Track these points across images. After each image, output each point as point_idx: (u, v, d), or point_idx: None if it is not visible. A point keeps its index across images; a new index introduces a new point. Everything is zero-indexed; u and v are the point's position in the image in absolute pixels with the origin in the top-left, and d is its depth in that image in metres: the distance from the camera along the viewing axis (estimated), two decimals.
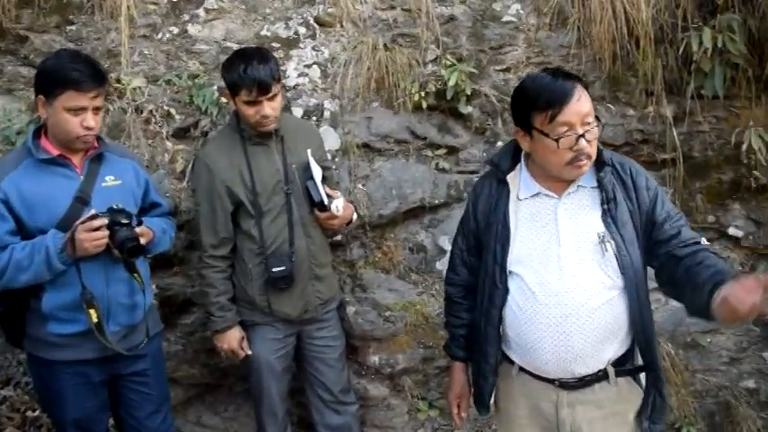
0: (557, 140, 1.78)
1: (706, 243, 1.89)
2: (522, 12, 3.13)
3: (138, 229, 2.16)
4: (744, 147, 2.84)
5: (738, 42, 2.77)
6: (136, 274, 2.22)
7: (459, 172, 3.05)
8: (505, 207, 1.94)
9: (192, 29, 3.04)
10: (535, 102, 1.81)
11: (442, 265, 2.99)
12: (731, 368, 3.17)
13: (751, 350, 3.16)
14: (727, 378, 3.16)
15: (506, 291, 1.93)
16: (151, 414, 2.40)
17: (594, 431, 1.95)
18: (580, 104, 1.77)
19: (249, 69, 2.33)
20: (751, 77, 2.94)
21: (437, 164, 3.04)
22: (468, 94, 2.98)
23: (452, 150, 3.07)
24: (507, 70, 3.05)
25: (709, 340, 3.15)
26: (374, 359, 2.98)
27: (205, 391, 3.11)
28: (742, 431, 3.09)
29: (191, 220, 2.73)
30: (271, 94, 2.38)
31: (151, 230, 2.26)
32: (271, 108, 2.39)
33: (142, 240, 2.17)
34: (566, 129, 1.77)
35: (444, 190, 3.02)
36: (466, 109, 3.02)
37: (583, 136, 1.77)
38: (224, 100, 2.79)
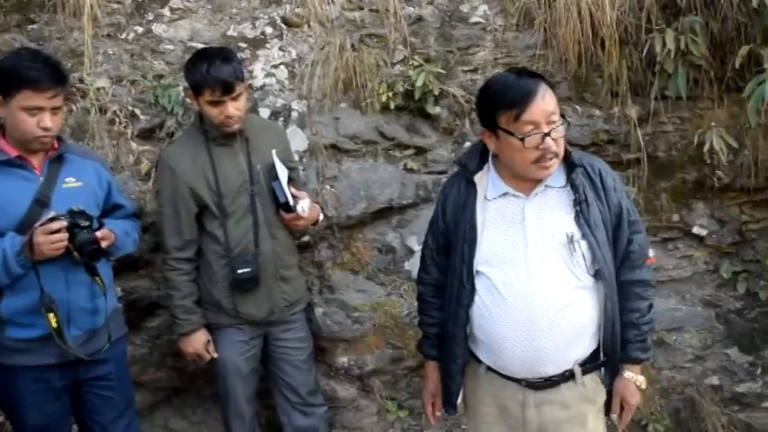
0: (522, 139, 1.78)
1: (651, 255, 2.03)
2: (489, 13, 3.14)
3: (99, 233, 2.13)
4: (706, 147, 2.87)
5: (700, 44, 2.80)
6: (97, 278, 2.18)
7: (428, 172, 3.05)
8: (473, 207, 1.94)
9: (157, 28, 3.01)
10: (500, 101, 1.82)
11: (410, 265, 2.99)
12: (696, 365, 3.22)
13: (715, 347, 3.21)
14: (693, 375, 3.20)
15: (473, 291, 1.93)
16: (115, 419, 2.37)
17: (560, 431, 1.96)
18: (545, 103, 1.79)
19: (212, 69, 2.31)
20: (713, 79, 2.98)
21: (405, 164, 3.04)
22: (436, 94, 2.98)
23: (421, 151, 3.07)
24: (475, 71, 3.06)
25: (674, 338, 3.19)
26: (343, 360, 2.98)
27: (172, 395, 3.08)
28: (707, 427, 3.13)
29: (156, 222, 2.70)
30: (234, 94, 2.36)
31: (113, 233, 2.22)
32: (235, 108, 2.37)
33: (103, 243, 2.13)
34: (531, 127, 1.78)
35: (413, 190, 3.02)
36: (434, 109, 3.02)
37: (548, 134, 1.78)
38: (189, 100, 2.76)
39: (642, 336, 1.97)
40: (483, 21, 3.13)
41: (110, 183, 2.36)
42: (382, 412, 3.07)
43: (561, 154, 1.86)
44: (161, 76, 2.94)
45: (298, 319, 2.66)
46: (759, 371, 3.17)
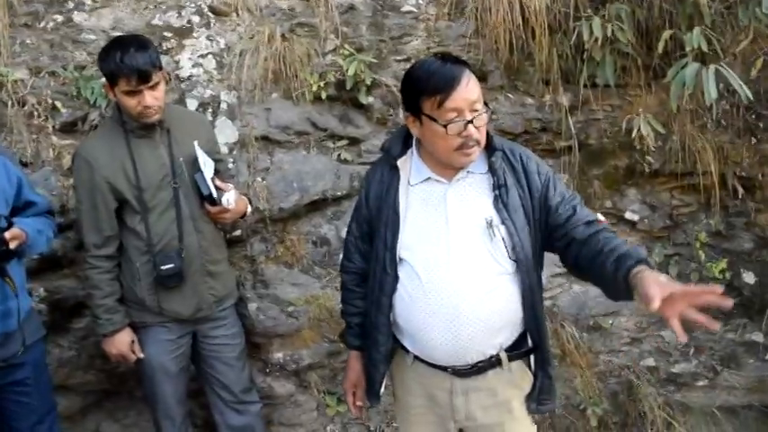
0: (445, 126, 1.76)
1: (602, 218, 1.92)
2: (421, 2, 3.12)
3: (7, 233, 2.02)
4: (634, 133, 2.91)
5: (627, 32, 2.84)
6: (8, 279, 2.08)
7: (362, 163, 3.00)
8: (396, 193, 1.92)
9: (78, 17, 2.89)
10: (424, 87, 1.80)
11: None
12: (632, 348, 3.27)
13: (650, 329, 3.27)
14: (629, 358, 3.26)
15: (396, 278, 1.90)
16: (34, 425, 2.27)
17: (488, 418, 1.96)
18: (468, 90, 1.76)
19: (126, 57, 2.22)
20: (641, 66, 3.03)
21: (339, 155, 3.00)
22: (369, 84, 2.95)
23: (354, 141, 3.03)
24: (407, 60, 3.02)
25: (610, 322, 3.24)
26: (278, 356, 2.92)
27: (103, 398, 2.98)
28: (644, 408, 3.19)
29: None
30: (152, 83, 2.28)
31: (24, 232, 2.11)
32: (153, 98, 2.29)
33: (13, 244, 2.03)
34: (454, 114, 1.76)
35: (347, 181, 2.98)
36: (367, 99, 2.99)
37: (471, 122, 1.77)
38: (105, 91, 2.66)
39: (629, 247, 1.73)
40: (415, 10, 3.11)
41: (20, 179, 2.24)
42: (321, 407, 3.03)
43: (483, 142, 1.85)
44: (83, 68, 2.82)
45: (228, 315, 2.59)
46: (692, 351, 3.24)
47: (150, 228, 2.36)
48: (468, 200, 1.88)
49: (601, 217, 1.94)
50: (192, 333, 2.55)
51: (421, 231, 1.88)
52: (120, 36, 2.50)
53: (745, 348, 3.22)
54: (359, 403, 2.17)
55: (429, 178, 1.91)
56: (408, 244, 1.89)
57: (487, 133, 1.89)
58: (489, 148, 1.90)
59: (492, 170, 1.88)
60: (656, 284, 1.50)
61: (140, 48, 2.26)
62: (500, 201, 1.85)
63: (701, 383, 3.25)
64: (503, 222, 1.84)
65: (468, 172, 1.89)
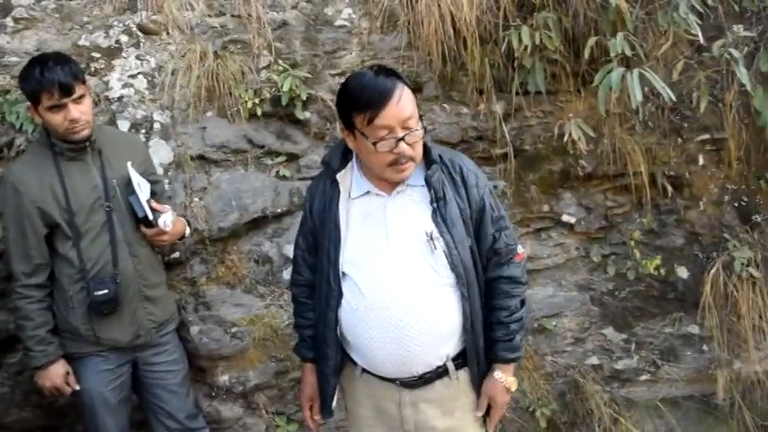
0: (374, 144, 1.76)
1: (521, 252, 2.00)
2: (354, 16, 3.14)
3: None
4: (566, 138, 2.99)
5: (554, 39, 2.92)
6: None
7: (301, 179, 2.98)
8: (336, 207, 1.91)
9: (1, 39, 2.79)
10: (355, 102, 1.79)
11: (289, 274, 2.90)
12: (576, 348, 3.33)
13: (593, 329, 3.34)
14: (574, 357, 3.32)
15: (340, 293, 1.90)
16: None
17: (437, 428, 1.96)
18: (399, 108, 1.75)
19: (46, 72, 2.17)
20: (570, 73, 3.12)
21: (277, 172, 2.97)
22: (304, 99, 2.94)
23: (292, 157, 3.01)
24: (342, 74, 3.03)
25: (554, 324, 3.29)
26: (224, 379, 2.86)
27: None
28: (591, 406, 3.25)
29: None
30: (75, 96, 2.22)
31: None
32: (78, 111, 2.23)
33: None
34: (385, 132, 1.75)
35: (287, 198, 2.95)
36: (303, 115, 2.97)
37: (402, 139, 1.76)
38: (30, 114, 2.56)
39: (510, 335, 1.94)
40: (348, 24, 3.13)
41: None
42: (271, 428, 2.97)
43: (418, 158, 1.84)
44: (7, 91, 2.73)
45: (169, 340, 2.52)
46: (633, 347, 3.32)
47: (82, 253, 2.28)
48: (409, 213, 1.88)
49: (520, 249, 2.00)
50: (131, 361, 2.46)
51: (362, 246, 1.88)
52: (38, 54, 2.43)
53: (682, 342, 3.32)
54: (316, 417, 2.14)
55: (369, 192, 1.91)
56: (350, 258, 1.88)
57: (425, 145, 1.89)
58: (428, 160, 1.90)
59: (429, 184, 1.87)
60: (484, 397, 2.00)
61: (60, 61, 2.21)
62: (438, 214, 1.86)
63: (643, 378, 3.33)
64: (441, 235, 1.85)
65: (407, 185, 1.89)
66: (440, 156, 1.92)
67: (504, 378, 1.97)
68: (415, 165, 1.84)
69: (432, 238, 1.84)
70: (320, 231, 1.95)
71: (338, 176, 1.93)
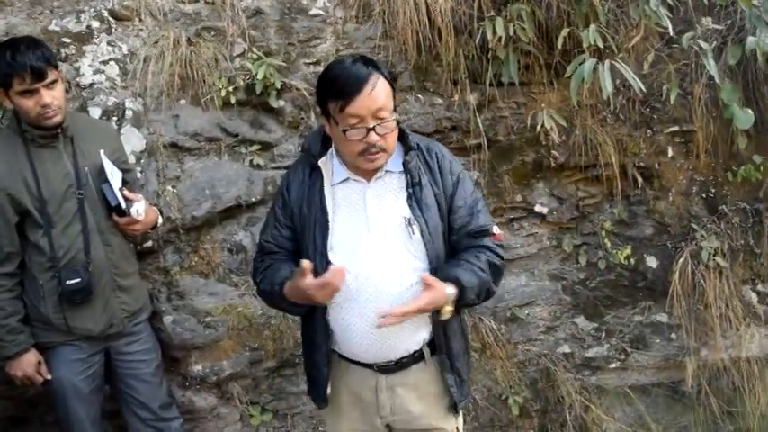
0: (344, 131, 1.77)
1: (497, 232, 1.97)
2: (328, 5, 3.12)
3: None
4: (539, 128, 3.02)
5: (528, 31, 2.94)
6: None
7: (275, 168, 2.97)
8: (321, 193, 1.90)
9: None
10: (329, 90, 1.80)
11: None
12: (548, 336, 3.38)
13: (564, 317, 3.39)
14: (546, 346, 3.36)
15: None
16: None
17: (413, 412, 1.98)
18: (371, 98, 1.75)
19: (18, 56, 2.14)
20: (543, 65, 3.14)
21: (251, 161, 2.96)
22: (279, 88, 2.92)
23: (266, 146, 2.99)
24: (317, 63, 3.02)
25: (526, 313, 3.33)
26: (197, 368, 2.84)
27: (11, 426, 2.81)
28: (562, 393, 3.30)
29: None
30: (48, 81, 2.19)
31: None
32: (51, 97, 2.20)
33: None
34: (355, 120, 1.76)
35: (261, 187, 2.94)
36: (277, 103, 2.96)
37: (373, 129, 1.77)
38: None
39: (469, 266, 1.85)
40: (323, 13, 3.11)
41: None
42: (245, 418, 2.97)
43: (390, 148, 1.85)
44: None
45: (142, 329, 2.50)
46: (604, 335, 3.38)
47: (54, 242, 2.25)
48: (387, 199, 1.90)
49: (496, 230, 1.98)
50: (104, 351, 2.44)
51: (344, 232, 1.88)
52: (9, 38, 2.38)
53: (651, 330, 3.39)
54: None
55: (348, 179, 1.91)
56: (333, 245, 1.89)
57: (403, 132, 1.91)
58: (406, 147, 1.91)
59: (407, 169, 1.89)
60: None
61: (32, 45, 2.18)
62: (413, 199, 1.88)
63: (613, 366, 3.39)
64: (416, 220, 1.86)
65: (386, 171, 1.91)
66: (417, 143, 1.94)
67: (451, 292, 1.82)
68: (387, 155, 1.85)
69: (410, 224, 1.86)
70: (303, 220, 1.93)
71: (320, 163, 1.93)
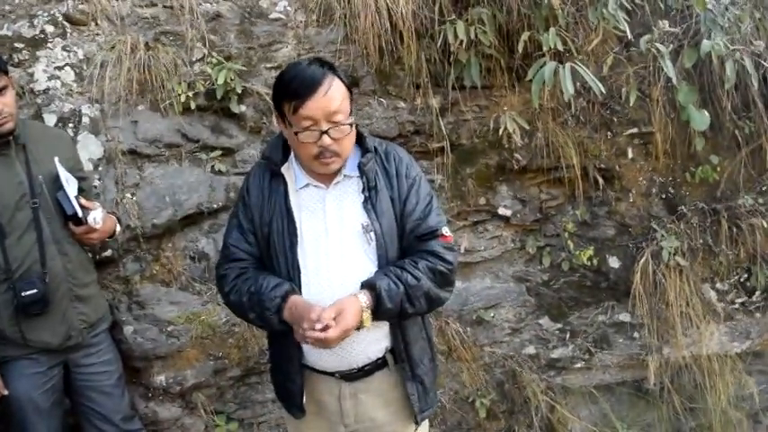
0: (297, 134, 1.75)
1: (446, 233, 1.91)
2: (289, 8, 3.11)
3: None
4: (501, 130, 3.04)
5: (489, 34, 2.96)
6: None
7: (237, 173, 2.93)
8: (287, 199, 1.87)
9: None
10: (285, 90, 1.78)
11: None
12: (514, 338, 3.40)
13: (528, 319, 3.41)
14: (511, 348, 3.38)
15: (300, 286, 1.83)
16: None
17: (377, 419, 1.97)
18: (326, 100, 1.73)
19: None
20: (504, 68, 3.17)
21: (213, 166, 2.92)
22: (240, 92, 2.90)
23: (228, 152, 2.96)
24: (278, 67, 2.98)
25: (492, 315, 3.35)
26: (160, 379, 2.79)
27: None
28: (528, 394, 3.32)
29: None
30: None
31: None
32: (1, 103, 2.15)
33: None
34: (309, 123, 1.74)
35: (223, 193, 2.90)
36: (238, 108, 2.93)
37: (326, 132, 1.74)
38: None
39: (397, 278, 1.78)
40: (283, 17, 3.09)
41: None
42: (210, 428, 2.92)
43: (345, 153, 1.82)
44: None
45: (101, 341, 2.45)
46: (568, 336, 3.41)
47: (8, 252, 2.18)
48: (346, 204, 1.88)
49: (446, 231, 1.91)
50: (62, 363, 2.38)
51: (303, 239, 1.85)
52: None
53: (615, 329, 3.43)
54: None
55: (308, 184, 1.89)
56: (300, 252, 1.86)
57: (361, 135, 1.90)
58: (362, 150, 1.90)
59: (362, 172, 1.86)
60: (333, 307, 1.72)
61: None
62: (369, 203, 1.85)
63: (578, 366, 3.43)
64: (371, 224, 1.84)
65: (344, 175, 1.88)
66: (375, 147, 1.92)
67: (366, 304, 1.75)
68: (341, 160, 1.83)
69: (367, 230, 1.84)
70: (262, 224, 1.89)
71: (282, 170, 1.89)
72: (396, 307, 1.78)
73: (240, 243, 1.93)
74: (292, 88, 1.75)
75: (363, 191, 1.86)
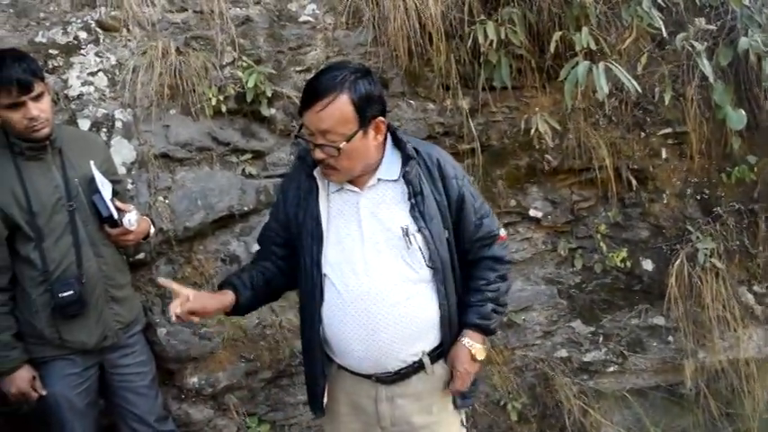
0: (296, 136, 1.80)
1: (503, 234, 2.02)
2: (318, 11, 3.11)
3: None
4: (532, 131, 3.01)
5: (519, 34, 2.94)
6: None
7: (268, 176, 2.95)
8: (316, 202, 1.88)
9: None
10: (302, 99, 1.80)
11: None
12: (545, 341, 3.37)
13: (561, 322, 3.38)
14: (543, 351, 3.35)
15: (323, 290, 1.87)
16: None
17: (415, 423, 1.96)
18: (317, 118, 1.73)
19: (4, 69, 2.11)
20: (535, 68, 3.14)
21: (243, 169, 2.93)
22: (270, 96, 2.90)
23: (258, 155, 2.97)
24: (308, 71, 3.00)
25: (523, 318, 3.32)
26: (193, 380, 2.81)
27: None
28: (560, 398, 3.28)
29: None
30: (34, 93, 2.16)
31: None
32: (38, 109, 2.17)
33: None
34: (307, 132, 1.78)
35: (253, 196, 2.91)
36: (268, 111, 2.94)
37: (320, 146, 1.76)
38: None
39: (482, 302, 1.95)
40: (312, 20, 3.10)
41: None
42: (242, 429, 2.93)
43: (345, 170, 1.81)
44: None
45: (136, 342, 2.47)
46: (601, 339, 3.37)
47: (46, 254, 2.21)
48: (382, 208, 1.87)
49: (502, 232, 2.03)
50: (98, 364, 2.40)
51: (339, 242, 1.86)
52: None
53: (648, 333, 3.38)
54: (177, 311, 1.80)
55: (342, 188, 1.89)
56: (328, 256, 1.86)
57: (401, 140, 1.89)
58: (403, 156, 1.88)
59: (407, 180, 1.86)
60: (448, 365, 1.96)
61: (17, 58, 2.16)
62: (416, 209, 1.84)
63: (611, 369, 3.38)
64: (419, 231, 1.84)
65: (378, 180, 1.88)
66: (416, 149, 1.91)
67: (470, 343, 1.93)
68: (342, 175, 1.83)
69: (407, 234, 1.83)
70: (297, 227, 1.91)
71: (315, 173, 1.90)
72: (495, 322, 2.00)
73: (269, 227, 2.03)
74: (302, 94, 1.78)
75: (410, 198, 1.85)
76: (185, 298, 1.77)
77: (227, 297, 1.90)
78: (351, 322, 1.83)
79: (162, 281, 1.94)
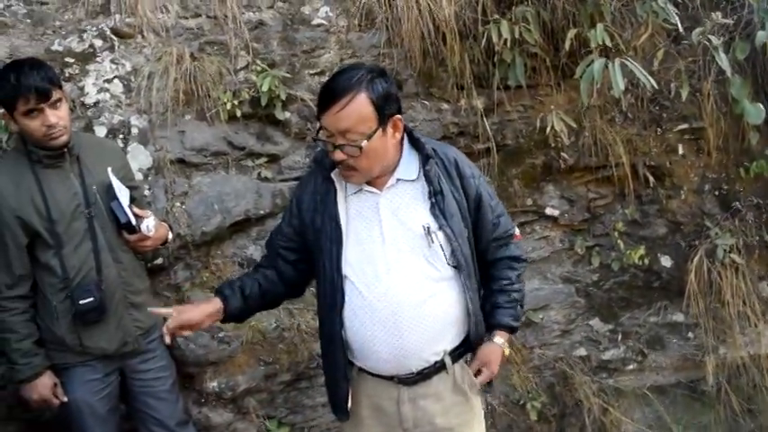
0: (314, 140, 1.79)
1: (517, 233, 2.07)
2: (331, 14, 3.11)
3: None
4: (548, 130, 3.00)
5: (533, 32, 2.92)
6: None
7: (283, 180, 2.96)
8: (335, 205, 1.88)
9: None
10: (318, 97, 1.81)
11: None
12: (564, 340, 3.36)
13: (579, 320, 3.37)
14: (561, 349, 3.34)
15: (344, 293, 1.87)
16: None
17: (437, 425, 1.95)
18: (337, 118, 1.73)
19: (22, 77, 2.12)
20: (550, 67, 3.13)
21: (259, 173, 2.94)
22: (284, 99, 2.91)
23: (274, 158, 2.97)
24: (322, 73, 3.01)
25: (541, 317, 3.31)
26: (213, 384, 2.81)
27: None
28: (579, 396, 3.27)
29: None
30: (52, 100, 2.18)
31: None
32: (56, 116, 2.18)
33: None
34: (326, 133, 1.78)
35: (269, 200, 2.92)
36: (283, 115, 2.94)
37: (339, 147, 1.76)
38: (4, 122, 2.50)
39: (512, 303, 2.03)
40: (325, 23, 3.10)
41: None
42: None
43: (364, 170, 1.81)
44: None
45: (156, 347, 2.48)
46: (620, 337, 3.35)
47: (65, 262, 2.23)
48: (402, 208, 1.87)
49: (517, 231, 2.10)
50: (119, 370, 2.41)
51: (359, 244, 1.86)
52: (12, 60, 2.37)
53: (668, 330, 3.36)
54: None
55: (361, 189, 1.89)
56: (349, 257, 1.86)
57: (418, 140, 1.90)
58: (421, 155, 1.89)
59: (427, 178, 1.87)
60: (477, 361, 2.01)
61: (35, 66, 2.17)
62: (437, 208, 1.85)
63: (630, 367, 3.36)
64: (440, 229, 1.84)
65: (397, 179, 1.88)
66: (434, 149, 1.92)
67: (503, 344, 2.03)
68: (361, 175, 1.83)
69: (429, 232, 1.83)
70: (315, 233, 1.91)
71: (333, 175, 1.90)
72: (519, 319, 2.09)
73: (280, 231, 2.03)
74: (319, 97, 1.78)
75: (430, 197, 1.86)
76: (170, 315, 1.86)
77: (212, 305, 1.93)
78: (374, 323, 1.83)
79: (152, 310, 2.05)
